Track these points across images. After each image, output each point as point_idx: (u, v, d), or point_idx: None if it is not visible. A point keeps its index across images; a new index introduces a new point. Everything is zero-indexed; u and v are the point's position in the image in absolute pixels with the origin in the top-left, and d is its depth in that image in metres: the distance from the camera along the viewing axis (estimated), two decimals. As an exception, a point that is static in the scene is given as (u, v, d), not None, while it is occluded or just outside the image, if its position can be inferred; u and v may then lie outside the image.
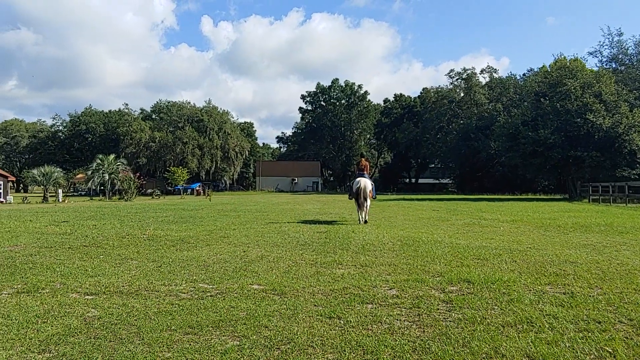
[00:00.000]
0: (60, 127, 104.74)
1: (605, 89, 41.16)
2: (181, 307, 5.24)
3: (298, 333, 4.38)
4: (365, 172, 16.53)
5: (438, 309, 5.14)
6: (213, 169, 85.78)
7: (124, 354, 3.91)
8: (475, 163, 73.14)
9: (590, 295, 5.66)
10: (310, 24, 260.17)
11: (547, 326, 4.52)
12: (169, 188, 75.04)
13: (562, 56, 48.41)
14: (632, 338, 4.22)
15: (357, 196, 15.68)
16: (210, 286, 6.30)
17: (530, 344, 4.05)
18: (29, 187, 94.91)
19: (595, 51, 60.68)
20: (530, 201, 36.57)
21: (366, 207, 15.79)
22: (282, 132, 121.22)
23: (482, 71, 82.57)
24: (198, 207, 26.60)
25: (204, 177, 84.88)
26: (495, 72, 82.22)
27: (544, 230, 13.37)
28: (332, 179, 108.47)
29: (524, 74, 75.93)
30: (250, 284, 6.41)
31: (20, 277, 6.94)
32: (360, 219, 15.80)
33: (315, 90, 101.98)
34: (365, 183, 15.64)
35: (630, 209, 24.35)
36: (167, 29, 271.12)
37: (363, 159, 17.03)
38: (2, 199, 46.60)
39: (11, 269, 7.53)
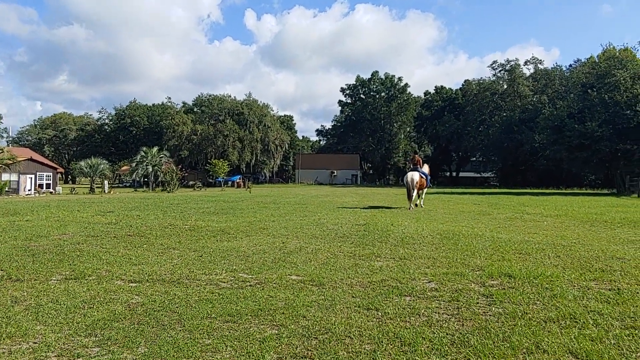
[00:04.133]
0: (106, 120, 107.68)
1: (657, 80, 39.52)
2: (221, 296, 5.34)
3: (336, 323, 4.40)
4: (418, 166, 19.26)
5: (478, 303, 5.07)
6: (253, 161, 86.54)
7: (166, 340, 4.01)
8: (518, 156, 71.54)
9: (637, 292, 5.47)
10: (354, 16, 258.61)
11: (591, 322, 4.40)
12: (210, 180, 76.22)
13: (611, 46, 46.72)
14: (682, 337, 4.07)
15: (407, 186, 18.70)
16: (250, 276, 6.38)
17: (574, 340, 3.96)
18: (77, 179, 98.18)
19: (647, 40, 58.15)
20: (576, 196, 35.52)
21: (418, 196, 19.38)
22: (322, 125, 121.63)
23: (526, 62, 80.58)
24: (238, 199, 26.96)
25: (244, 169, 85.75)
26: (540, 63, 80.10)
27: (589, 225, 12.98)
28: (371, 171, 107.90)
29: (570, 65, 73.74)
30: (288, 274, 6.46)
31: (69, 264, 7.19)
32: (409, 207, 18.67)
33: (354, 83, 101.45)
34: (413, 176, 18.46)
35: (683, 205, 23.36)
36: (213, 23, 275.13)
37: (416, 156, 20.24)
38: (51, 190, 48.33)
39: (60, 257, 7.81)
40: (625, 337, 4.02)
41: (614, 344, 3.89)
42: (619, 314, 4.65)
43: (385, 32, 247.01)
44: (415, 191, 18.65)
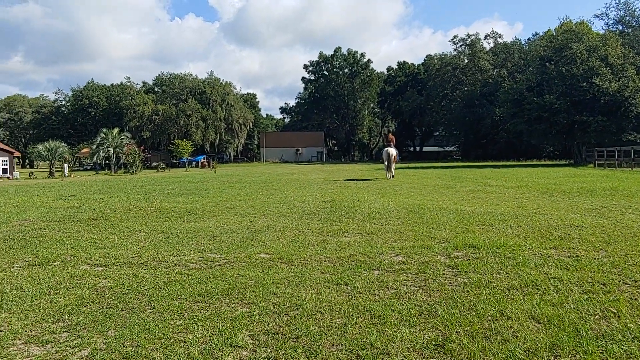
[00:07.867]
0: (63, 102, 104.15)
1: (611, 52, 40.56)
2: (190, 277, 5.31)
3: (306, 299, 4.44)
4: (392, 143, 22.58)
5: (444, 274, 5.19)
6: (217, 141, 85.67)
7: (136, 322, 3.99)
8: (479, 130, 72.71)
9: (595, 258, 5.70)
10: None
11: (552, 289, 4.57)
12: (174, 161, 75.19)
13: (568, 19, 47.61)
14: (636, 299, 4.27)
15: (387, 160, 22.19)
16: (219, 256, 6.37)
17: (535, 306, 4.10)
18: (35, 163, 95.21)
19: (602, 14, 59.72)
20: (535, 167, 36.47)
21: (393, 168, 22.60)
22: (286, 103, 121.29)
23: (486, 37, 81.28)
24: (203, 179, 26.69)
25: (208, 149, 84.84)
26: (499, 37, 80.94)
27: (549, 195, 13.37)
28: (336, 148, 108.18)
29: (528, 39, 74.87)
30: (257, 253, 6.47)
31: (31, 250, 7.03)
32: (388, 176, 22.38)
33: (317, 59, 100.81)
34: (391, 151, 22.03)
35: (636, 173, 24.28)
36: (175, 0, 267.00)
37: (390, 134, 24.28)
38: (8, 175, 46.84)
39: (21, 243, 7.62)
40: (583, 302, 4.20)
41: (574, 308, 4.05)
42: (578, 280, 4.84)
43: (351, 7, 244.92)
44: (394, 164, 22.38)
